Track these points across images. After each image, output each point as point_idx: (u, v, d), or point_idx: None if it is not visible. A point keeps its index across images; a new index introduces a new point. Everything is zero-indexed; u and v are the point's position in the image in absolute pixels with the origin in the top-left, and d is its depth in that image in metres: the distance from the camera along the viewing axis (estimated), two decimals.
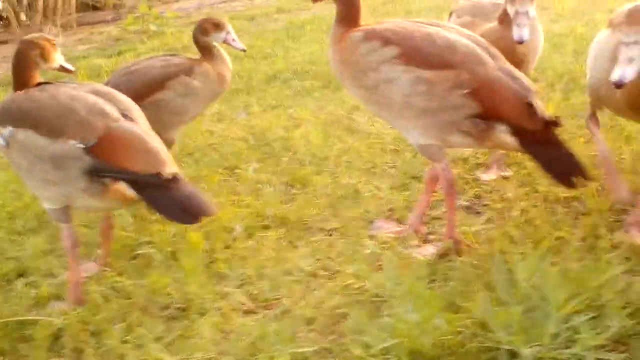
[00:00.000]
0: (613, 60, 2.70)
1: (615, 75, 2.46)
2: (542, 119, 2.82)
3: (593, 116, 3.38)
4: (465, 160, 4.01)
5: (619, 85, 2.45)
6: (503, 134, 2.85)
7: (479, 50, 2.94)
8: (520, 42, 3.32)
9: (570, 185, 2.90)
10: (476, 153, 4.05)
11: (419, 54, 2.91)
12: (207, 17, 4.15)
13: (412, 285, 2.50)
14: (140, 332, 2.79)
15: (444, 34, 2.97)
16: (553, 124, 2.83)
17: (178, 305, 2.99)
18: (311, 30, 8.45)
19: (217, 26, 3.98)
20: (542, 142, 2.85)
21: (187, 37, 8.87)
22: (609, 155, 3.33)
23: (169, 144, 3.73)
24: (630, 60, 2.43)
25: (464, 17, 3.76)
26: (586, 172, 2.87)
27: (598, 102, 3.15)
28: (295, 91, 6.05)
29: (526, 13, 3.33)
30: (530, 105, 2.82)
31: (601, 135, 3.39)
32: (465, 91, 2.83)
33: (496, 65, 2.92)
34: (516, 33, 3.31)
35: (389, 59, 2.93)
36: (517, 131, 2.83)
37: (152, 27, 9.61)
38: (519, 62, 3.47)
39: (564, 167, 2.88)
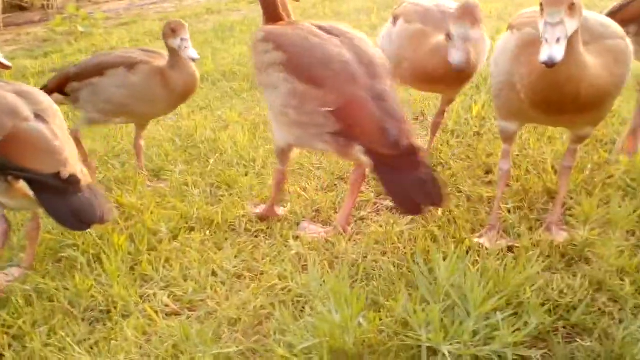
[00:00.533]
0: (514, 59, 2.76)
1: (543, 56, 2.37)
2: (397, 145, 2.75)
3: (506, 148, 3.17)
4: None
5: (550, 65, 2.37)
6: (360, 153, 2.85)
7: (355, 67, 2.94)
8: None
9: (413, 212, 2.84)
10: None
11: (299, 65, 2.98)
12: (172, 20, 4.01)
13: (335, 285, 2.50)
14: (63, 335, 2.75)
15: (327, 47, 3.00)
16: (411, 150, 2.77)
17: (102, 308, 2.95)
18: (240, 32, 8.42)
19: (173, 31, 3.89)
20: (395, 167, 2.79)
21: (116, 39, 8.80)
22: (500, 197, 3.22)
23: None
24: (558, 40, 2.39)
25: (414, 24, 3.65)
26: (442, 198, 2.77)
27: (504, 109, 2.99)
28: (224, 93, 6.03)
29: (464, 36, 3.26)
30: (384, 130, 2.78)
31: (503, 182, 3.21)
32: (328, 109, 2.87)
33: (369, 84, 2.90)
34: (451, 56, 3.28)
35: (276, 64, 3.05)
36: (370, 153, 2.82)
37: (80, 29, 9.45)
38: (464, 77, 3.54)
39: (412, 194, 2.75)
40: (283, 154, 3.31)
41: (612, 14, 3.49)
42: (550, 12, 2.43)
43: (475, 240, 3.03)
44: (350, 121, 2.85)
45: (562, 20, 2.39)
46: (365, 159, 2.84)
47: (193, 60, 3.95)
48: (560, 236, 2.99)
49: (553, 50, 2.36)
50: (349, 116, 2.85)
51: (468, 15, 3.27)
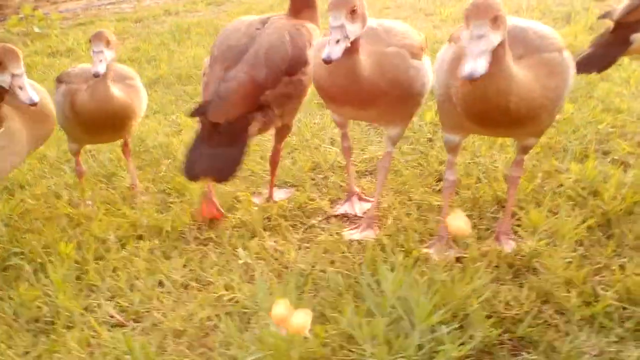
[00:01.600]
0: (449, 72, 2.77)
1: (466, 69, 2.34)
2: (206, 117, 3.07)
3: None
4: (343, 167, 4.01)
5: (471, 79, 2.35)
6: None
7: (233, 53, 3.21)
8: (327, 62, 2.68)
9: (189, 176, 3.15)
10: (357, 161, 4.07)
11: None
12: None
13: (280, 297, 2.47)
14: (5, 348, 2.71)
15: (235, 35, 3.32)
16: (214, 127, 3.08)
17: (46, 319, 2.90)
18: (197, 34, 8.34)
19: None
20: (203, 136, 3.15)
21: (72, 40, 8.67)
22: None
23: None
24: (481, 53, 2.36)
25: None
26: (224, 178, 3.13)
27: (446, 120, 3.00)
28: (178, 96, 5.95)
29: (340, 27, 2.73)
30: (204, 103, 3.08)
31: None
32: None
33: (228, 66, 3.17)
34: (326, 51, 2.71)
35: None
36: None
37: (36, 29, 9.31)
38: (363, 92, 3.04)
39: (198, 161, 3.12)
40: None
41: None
42: (474, 25, 2.41)
43: (424, 250, 3.02)
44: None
45: (485, 33, 2.37)
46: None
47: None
48: (509, 246, 3.00)
49: (475, 64, 2.34)
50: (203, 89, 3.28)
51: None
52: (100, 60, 3.35)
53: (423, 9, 8.55)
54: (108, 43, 3.42)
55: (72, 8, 12.00)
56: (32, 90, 3.09)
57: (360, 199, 3.61)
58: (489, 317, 2.49)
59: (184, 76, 6.52)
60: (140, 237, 3.46)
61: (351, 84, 2.92)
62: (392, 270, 2.60)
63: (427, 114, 4.58)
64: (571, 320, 2.56)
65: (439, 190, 3.61)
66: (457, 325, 2.39)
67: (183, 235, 3.46)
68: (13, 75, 3.06)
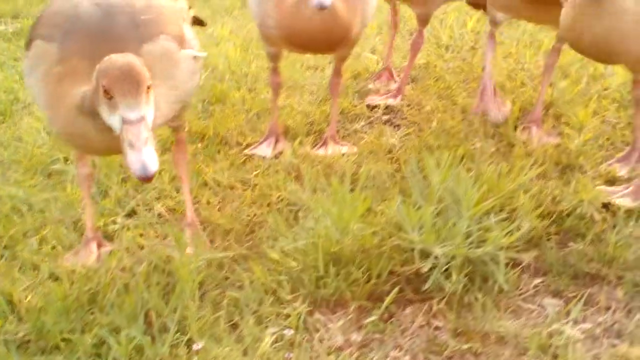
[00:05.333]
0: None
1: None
2: None
3: None
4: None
5: (322, 8, 2.51)
6: None
7: None
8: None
9: None
10: (401, 69, 4.04)
11: None
12: None
13: (333, 189, 2.48)
14: (54, 244, 2.73)
15: None
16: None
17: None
18: None
19: None
20: None
21: None
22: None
23: None
24: None
25: None
26: None
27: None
28: (214, 10, 5.93)
29: None
30: None
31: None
32: None
33: None
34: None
35: None
36: None
37: None
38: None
39: None
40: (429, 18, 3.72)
41: None
42: None
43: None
44: None
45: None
46: None
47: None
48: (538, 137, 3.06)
49: None
50: None
51: None
52: None
53: None
54: None
55: None
56: None
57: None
58: (536, 209, 2.49)
59: None
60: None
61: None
62: (438, 165, 2.60)
63: (469, 22, 4.53)
64: (617, 214, 2.56)
65: None
66: (504, 216, 2.39)
67: (226, 141, 3.47)
68: None
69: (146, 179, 1.93)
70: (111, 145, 2.10)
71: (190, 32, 2.63)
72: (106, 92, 1.97)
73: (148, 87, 2.00)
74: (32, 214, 2.95)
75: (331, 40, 2.89)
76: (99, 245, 2.68)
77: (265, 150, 3.31)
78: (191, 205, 2.77)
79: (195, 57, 2.53)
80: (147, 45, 2.30)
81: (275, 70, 3.34)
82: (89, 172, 2.71)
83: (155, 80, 2.16)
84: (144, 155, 1.91)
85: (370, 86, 3.93)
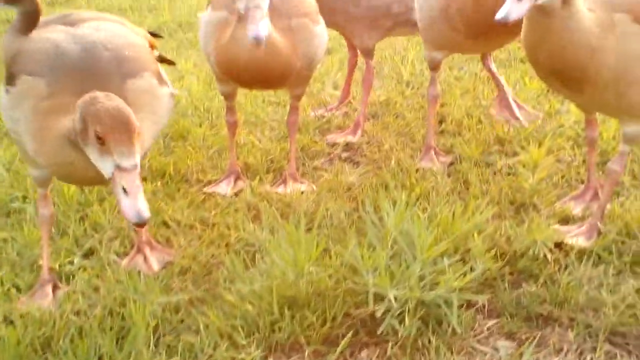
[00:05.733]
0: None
1: (500, 13, 2.29)
2: None
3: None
4: (346, 113, 4.03)
5: (257, 42, 2.53)
6: None
7: None
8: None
9: None
10: (360, 106, 4.08)
11: None
12: None
13: (289, 231, 2.50)
14: (9, 287, 2.71)
15: None
16: None
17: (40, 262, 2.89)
18: None
19: None
20: None
21: None
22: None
23: None
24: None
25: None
26: None
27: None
28: (179, 43, 5.95)
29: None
30: None
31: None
32: None
33: None
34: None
35: None
36: None
37: None
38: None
39: None
40: (372, 51, 3.75)
41: None
42: None
43: (418, 164, 3.24)
44: None
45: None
46: None
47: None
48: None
49: (510, 7, 2.26)
50: None
51: None
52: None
53: None
54: None
55: None
56: (263, 24, 2.59)
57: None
58: (489, 250, 2.52)
59: (185, 24, 6.51)
60: (143, 179, 3.46)
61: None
62: (394, 205, 2.62)
63: None
64: (570, 255, 2.59)
65: (442, 131, 3.64)
66: (458, 258, 2.42)
67: (186, 178, 3.48)
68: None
69: (141, 224, 2.06)
70: (97, 175, 2.16)
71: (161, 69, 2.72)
72: (99, 138, 2.05)
73: (138, 133, 2.09)
74: None
75: (272, 75, 2.93)
76: (55, 288, 2.67)
77: (224, 188, 3.32)
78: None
79: (171, 94, 2.65)
80: (132, 80, 2.40)
81: (230, 109, 3.38)
82: (50, 214, 2.73)
83: (140, 114, 2.26)
84: (138, 202, 2.02)
85: (326, 114, 4.03)
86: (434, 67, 3.38)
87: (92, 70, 2.35)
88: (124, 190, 2.04)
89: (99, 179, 2.18)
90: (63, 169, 2.31)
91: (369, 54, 3.73)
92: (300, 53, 2.96)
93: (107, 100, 2.11)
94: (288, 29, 2.93)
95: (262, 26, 2.57)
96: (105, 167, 2.08)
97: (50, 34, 2.55)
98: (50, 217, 2.73)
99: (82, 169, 2.22)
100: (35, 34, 2.61)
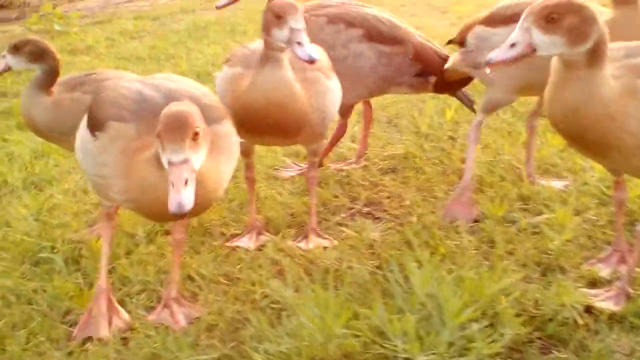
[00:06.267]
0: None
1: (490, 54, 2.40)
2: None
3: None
4: (366, 167, 4.05)
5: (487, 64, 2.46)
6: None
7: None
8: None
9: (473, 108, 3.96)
10: (378, 159, 4.11)
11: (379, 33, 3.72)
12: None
13: (316, 295, 2.51)
14: (42, 340, 2.73)
15: (380, 12, 3.89)
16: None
17: (80, 312, 2.91)
18: (214, 32, 8.39)
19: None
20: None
21: (91, 37, 8.71)
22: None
23: None
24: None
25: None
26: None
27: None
28: None
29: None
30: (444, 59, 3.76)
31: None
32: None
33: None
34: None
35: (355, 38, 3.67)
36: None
37: (56, 27, 9.36)
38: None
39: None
40: (350, 109, 3.92)
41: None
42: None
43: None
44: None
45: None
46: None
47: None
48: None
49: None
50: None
51: (296, 8, 2.80)
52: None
53: (438, 7, 8.58)
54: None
55: (90, 6, 12.08)
56: (311, 46, 2.76)
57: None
58: (518, 315, 2.52)
59: (203, 73, 6.55)
60: (167, 233, 3.49)
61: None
62: (420, 266, 2.63)
63: (447, 112, 4.62)
64: (600, 319, 2.58)
65: None
66: (487, 323, 2.42)
67: (209, 231, 3.50)
68: (292, 30, 2.77)
69: (179, 216, 2.16)
70: None
71: None
72: (159, 137, 2.22)
73: (195, 134, 2.23)
74: (20, 305, 2.96)
75: (287, 122, 2.96)
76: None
77: (247, 242, 3.34)
78: (176, 281, 2.91)
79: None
80: (214, 125, 2.54)
81: (248, 166, 3.43)
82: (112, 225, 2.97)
83: (221, 157, 2.52)
84: (182, 195, 2.14)
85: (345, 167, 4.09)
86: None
87: None
88: (172, 183, 2.17)
89: None
90: (148, 195, 2.40)
91: (346, 113, 3.89)
92: (314, 105, 3.00)
93: (175, 105, 2.32)
94: (303, 81, 2.97)
95: (311, 48, 2.71)
96: (164, 163, 2.23)
97: (127, 84, 2.69)
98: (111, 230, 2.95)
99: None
100: (111, 83, 2.82)
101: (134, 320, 2.81)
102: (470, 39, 3.43)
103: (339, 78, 3.25)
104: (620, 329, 2.52)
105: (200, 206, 2.41)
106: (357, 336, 2.42)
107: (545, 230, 3.12)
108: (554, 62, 2.43)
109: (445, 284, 2.51)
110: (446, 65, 3.71)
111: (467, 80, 3.88)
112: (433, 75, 3.79)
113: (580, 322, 2.55)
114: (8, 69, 3.60)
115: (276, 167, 4.15)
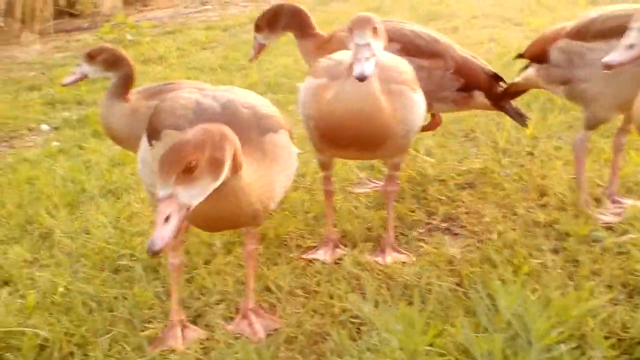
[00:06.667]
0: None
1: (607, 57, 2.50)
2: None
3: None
4: (443, 181, 4.01)
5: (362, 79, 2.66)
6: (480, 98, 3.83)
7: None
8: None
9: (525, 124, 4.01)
10: (455, 174, 4.07)
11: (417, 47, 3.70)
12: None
13: (399, 309, 2.48)
14: (125, 347, 2.77)
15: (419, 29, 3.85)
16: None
17: (160, 320, 2.95)
18: (284, 44, 8.40)
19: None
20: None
21: (163, 47, 8.84)
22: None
23: None
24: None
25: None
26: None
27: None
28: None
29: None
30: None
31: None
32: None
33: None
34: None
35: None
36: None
37: (128, 37, 9.53)
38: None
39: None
40: None
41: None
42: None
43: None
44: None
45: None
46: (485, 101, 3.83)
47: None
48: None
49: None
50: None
51: (365, 23, 2.81)
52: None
53: (512, 18, 8.48)
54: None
55: (159, 16, 12.27)
56: (369, 63, 2.71)
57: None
58: (606, 337, 2.46)
59: (274, 84, 6.61)
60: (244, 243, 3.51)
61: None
62: (504, 285, 2.59)
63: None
64: None
65: (543, 205, 3.59)
66: (574, 345, 2.37)
67: (285, 243, 3.50)
68: (355, 45, 2.78)
69: (152, 253, 2.03)
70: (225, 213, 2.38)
71: None
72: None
73: (188, 168, 2.09)
74: (101, 312, 3.01)
75: (371, 134, 2.95)
76: (184, 327, 2.84)
77: (323, 256, 3.33)
78: (252, 292, 2.94)
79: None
80: (270, 134, 2.56)
81: (327, 179, 3.43)
82: (179, 262, 2.90)
83: (276, 167, 2.54)
84: (156, 233, 2.02)
85: None
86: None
87: (231, 123, 2.42)
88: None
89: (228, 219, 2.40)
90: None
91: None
92: (398, 118, 2.98)
93: (179, 136, 2.31)
94: (388, 93, 2.95)
95: (368, 65, 2.70)
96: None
97: (187, 94, 2.71)
98: (179, 265, 2.91)
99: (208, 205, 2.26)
100: (173, 94, 2.82)
101: (213, 331, 2.83)
102: (556, 53, 3.37)
103: None
104: None
105: (247, 216, 2.44)
106: (441, 354, 2.40)
107: (632, 250, 3.04)
108: None
109: (531, 304, 2.47)
110: (516, 79, 3.68)
111: (516, 95, 3.92)
112: (477, 90, 3.79)
113: None
114: (84, 77, 3.68)
115: (351, 182, 4.14)
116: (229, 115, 2.53)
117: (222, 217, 2.40)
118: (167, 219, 2.05)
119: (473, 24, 8.40)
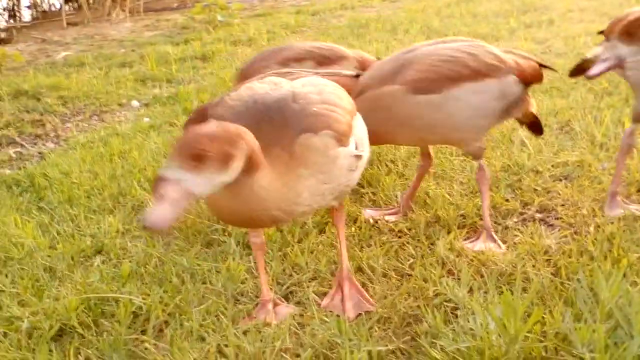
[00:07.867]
0: None
1: None
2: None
3: None
4: (538, 172, 3.97)
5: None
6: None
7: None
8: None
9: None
10: (551, 165, 4.02)
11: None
12: None
13: (505, 299, 2.47)
14: (220, 317, 2.84)
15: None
16: None
17: (252, 294, 3.02)
18: (375, 29, 8.44)
19: None
20: None
21: (253, 29, 8.95)
22: None
23: None
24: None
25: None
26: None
27: None
28: None
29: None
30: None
31: None
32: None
33: None
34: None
35: None
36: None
37: (219, 18, 9.67)
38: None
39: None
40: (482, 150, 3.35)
41: None
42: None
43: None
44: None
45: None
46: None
47: None
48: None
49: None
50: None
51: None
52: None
53: (608, 12, 8.30)
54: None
55: None
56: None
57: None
58: None
59: None
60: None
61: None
62: (606, 277, 2.56)
63: (626, 120, 4.47)
64: None
65: None
66: None
67: (377, 226, 3.52)
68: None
69: (146, 229, 2.00)
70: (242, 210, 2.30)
71: (359, 128, 2.74)
72: None
73: (198, 156, 2.06)
74: (195, 284, 3.08)
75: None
76: (275, 304, 2.88)
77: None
78: (347, 260, 2.98)
79: (352, 155, 2.60)
80: (306, 136, 2.40)
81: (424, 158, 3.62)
82: (261, 242, 2.90)
83: (306, 170, 2.36)
84: (152, 210, 1.98)
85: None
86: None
87: (272, 119, 2.40)
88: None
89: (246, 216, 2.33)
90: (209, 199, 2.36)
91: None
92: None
93: (199, 127, 2.17)
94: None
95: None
96: None
97: (258, 84, 2.63)
98: (260, 245, 2.91)
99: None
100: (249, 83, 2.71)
101: (305, 307, 2.88)
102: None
103: None
104: None
105: (263, 221, 2.39)
106: (540, 341, 2.39)
107: None
108: None
109: (634, 297, 2.44)
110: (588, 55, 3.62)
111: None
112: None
113: None
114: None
115: (444, 168, 4.13)
116: (274, 111, 2.43)
117: (237, 217, 2.37)
118: (170, 201, 2.01)
119: (568, 17, 8.25)
